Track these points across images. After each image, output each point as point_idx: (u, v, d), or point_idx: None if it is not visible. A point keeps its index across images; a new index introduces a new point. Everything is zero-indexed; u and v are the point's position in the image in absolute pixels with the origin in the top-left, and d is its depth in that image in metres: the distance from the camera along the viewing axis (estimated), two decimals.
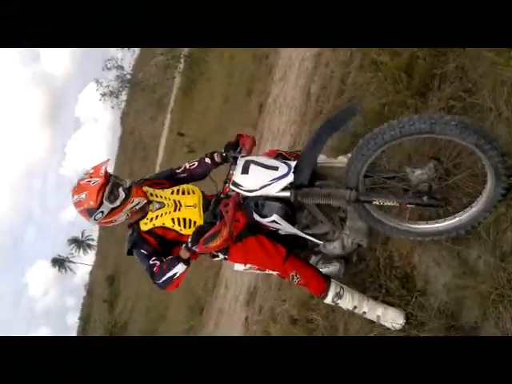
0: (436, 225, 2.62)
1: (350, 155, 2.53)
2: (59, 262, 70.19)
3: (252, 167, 2.70)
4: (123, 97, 40.92)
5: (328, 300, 2.90)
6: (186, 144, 18.33)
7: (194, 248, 2.62)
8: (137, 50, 39.23)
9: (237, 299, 7.60)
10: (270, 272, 2.98)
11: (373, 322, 2.94)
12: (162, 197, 3.07)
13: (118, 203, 2.85)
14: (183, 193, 3.11)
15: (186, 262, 2.74)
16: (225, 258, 3.05)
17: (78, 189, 2.85)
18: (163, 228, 3.00)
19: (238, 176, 2.73)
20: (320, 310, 3.82)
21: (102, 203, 2.80)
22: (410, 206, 2.50)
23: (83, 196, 2.80)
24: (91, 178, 2.83)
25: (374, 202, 2.53)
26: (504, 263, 2.37)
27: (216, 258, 3.10)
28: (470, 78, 2.91)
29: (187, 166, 3.28)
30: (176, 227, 2.99)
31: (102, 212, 2.84)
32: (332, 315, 3.64)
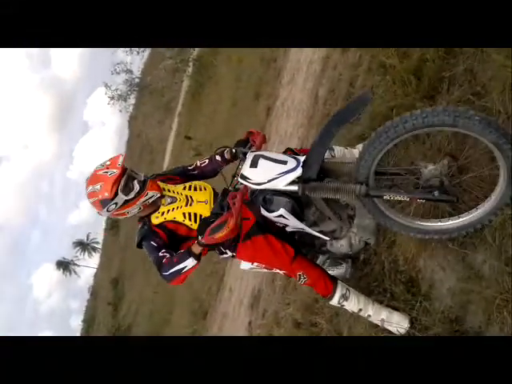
0: (445, 223, 2.60)
1: (360, 149, 2.51)
2: (64, 265, 70.42)
3: (261, 161, 2.70)
4: (131, 100, 41.06)
5: (334, 301, 2.88)
6: (192, 147, 18.37)
7: (199, 238, 2.60)
8: (146, 54, 39.33)
9: (241, 303, 7.59)
10: (277, 271, 2.97)
11: (377, 325, 2.93)
12: (174, 192, 3.09)
13: (132, 195, 2.87)
14: (195, 189, 3.15)
15: (197, 257, 2.72)
16: (233, 256, 3.04)
17: (93, 179, 2.86)
18: (174, 222, 3.01)
19: (246, 169, 2.72)
20: (324, 314, 3.81)
21: (116, 194, 2.81)
22: (421, 201, 2.47)
23: (98, 187, 2.81)
24: (108, 169, 2.84)
25: (385, 197, 2.50)
26: (509, 268, 2.36)
27: (224, 255, 3.09)
28: (478, 81, 2.89)
29: (198, 164, 3.31)
30: (187, 222, 3.00)
31: (116, 203, 2.85)
32: (336, 319, 3.63)
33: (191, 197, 3.07)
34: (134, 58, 39.42)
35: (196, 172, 3.29)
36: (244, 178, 2.71)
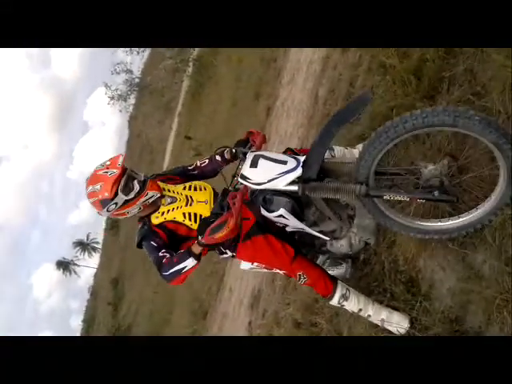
0: (445, 223, 2.60)
1: (360, 149, 2.52)
2: (64, 265, 70.40)
3: (261, 161, 2.70)
4: (131, 100, 41.03)
5: (334, 301, 2.88)
6: (192, 147, 18.37)
7: (199, 238, 2.60)
8: (146, 54, 39.30)
9: (241, 303, 7.59)
10: (277, 271, 2.97)
11: (377, 325, 2.93)
12: (174, 192, 3.09)
13: (132, 195, 2.87)
14: (195, 189, 3.15)
15: (197, 257, 2.72)
16: (233, 256, 3.04)
17: (93, 179, 2.86)
18: (174, 222, 3.01)
19: (246, 169, 2.72)
20: (324, 314, 3.81)
21: (116, 194, 2.82)
22: (421, 201, 2.47)
23: (98, 187, 2.81)
24: (108, 169, 2.84)
25: (385, 197, 2.50)
26: (509, 268, 2.36)
27: (224, 255, 3.09)
28: (478, 81, 2.89)
29: (198, 164, 3.31)
30: (187, 222, 3.00)
31: (116, 203, 2.85)
32: (336, 319, 3.63)
33: (191, 197, 3.07)
34: (134, 58, 39.42)
35: (196, 172, 3.29)
36: (244, 178, 2.71)
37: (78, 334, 56.82)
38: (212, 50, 22.18)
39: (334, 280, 2.89)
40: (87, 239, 71.41)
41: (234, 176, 2.92)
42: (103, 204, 2.84)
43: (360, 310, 2.89)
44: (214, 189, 3.20)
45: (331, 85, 5.93)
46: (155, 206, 3.03)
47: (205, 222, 2.60)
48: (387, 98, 3.70)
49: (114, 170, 2.81)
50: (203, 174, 3.30)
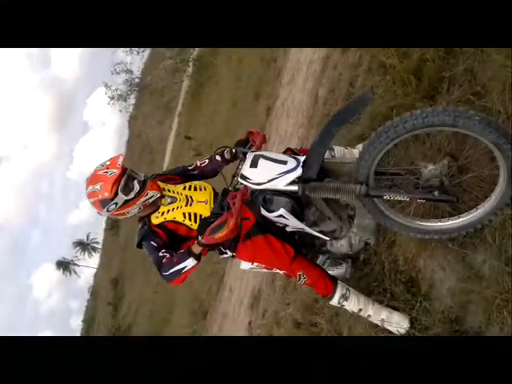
0: (445, 223, 2.60)
1: (360, 149, 2.52)
2: (64, 265, 70.39)
3: (261, 161, 2.70)
4: (131, 100, 41.01)
5: (334, 301, 2.88)
6: (192, 147, 18.37)
7: (199, 238, 2.60)
8: (146, 54, 39.28)
9: (241, 303, 7.59)
10: (277, 271, 2.97)
11: (377, 325, 2.93)
12: (174, 192, 3.09)
13: (132, 195, 2.87)
14: (195, 189, 3.15)
15: (197, 257, 2.72)
16: (233, 256, 3.04)
17: (93, 179, 2.86)
18: (174, 222, 3.01)
19: (246, 169, 2.72)
20: (324, 314, 3.81)
21: (116, 194, 2.82)
22: (421, 201, 2.47)
23: (98, 187, 2.81)
24: (108, 169, 2.84)
25: (385, 197, 2.50)
26: (509, 268, 2.36)
27: (224, 255, 3.09)
28: (478, 81, 2.89)
29: (198, 164, 3.31)
30: (187, 222, 3.00)
31: (116, 203, 2.85)
32: (336, 319, 3.63)
33: (191, 197, 3.07)
34: (134, 58, 39.40)
35: (196, 172, 3.29)
36: (244, 177, 2.71)
37: (78, 334, 56.81)
38: (212, 49, 22.18)
39: (333, 280, 2.89)
40: (87, 239, 71.44)
41: (233, 176, 2.92)
42: (103, 204, 2.84)
43: (360, 309, 2.89)
44: (214, 189, 3.20)
45: (331, 85, 5.93)
46: (155, 206, 3.03)
47: (205, 222, 2.60)
48: (387, 98, 3.70)
49: (114, 170, 2.81)
50: (203, 174, 3.30)
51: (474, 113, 2.10)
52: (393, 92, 3.65)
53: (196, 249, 2.70)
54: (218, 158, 3.21)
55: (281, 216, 2.75)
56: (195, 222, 3.00)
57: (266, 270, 3.08)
